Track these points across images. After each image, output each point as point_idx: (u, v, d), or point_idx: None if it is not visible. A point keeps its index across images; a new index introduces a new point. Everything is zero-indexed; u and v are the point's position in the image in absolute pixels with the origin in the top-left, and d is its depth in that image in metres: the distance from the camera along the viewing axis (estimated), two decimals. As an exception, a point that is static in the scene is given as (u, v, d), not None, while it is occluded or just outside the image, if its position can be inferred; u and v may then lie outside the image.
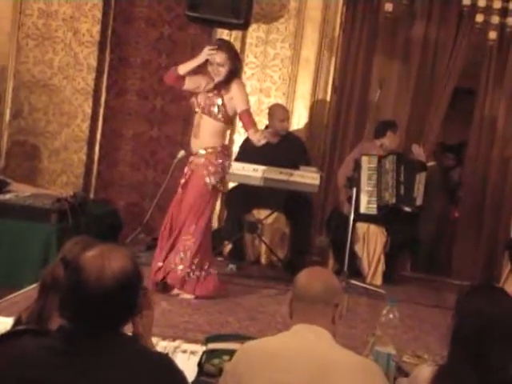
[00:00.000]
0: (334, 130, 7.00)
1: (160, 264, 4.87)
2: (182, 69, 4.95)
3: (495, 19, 6.64)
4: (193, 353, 3.69)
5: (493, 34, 6.67)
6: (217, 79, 4.91)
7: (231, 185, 6.42)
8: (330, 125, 6.99)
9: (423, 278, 6.73)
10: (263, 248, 6.27)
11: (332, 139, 6.99)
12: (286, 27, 6.84)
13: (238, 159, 6.32)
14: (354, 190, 5.67)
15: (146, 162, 6.99)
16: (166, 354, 2.29)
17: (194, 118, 5.04)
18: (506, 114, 6.81)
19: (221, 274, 5.65)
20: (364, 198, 5.93)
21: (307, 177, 5.81)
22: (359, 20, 6.97)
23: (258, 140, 4.89)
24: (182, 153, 6.29)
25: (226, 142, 5.38)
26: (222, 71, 4.87)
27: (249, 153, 6.23)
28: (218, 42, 5.11)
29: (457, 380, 2.20)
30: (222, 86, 4.92)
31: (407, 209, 6.05)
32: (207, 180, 4.85)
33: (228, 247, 6.19)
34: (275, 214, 6.17)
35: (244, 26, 6.51)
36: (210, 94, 4.93)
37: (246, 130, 5.02)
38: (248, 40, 6.86)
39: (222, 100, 4.90)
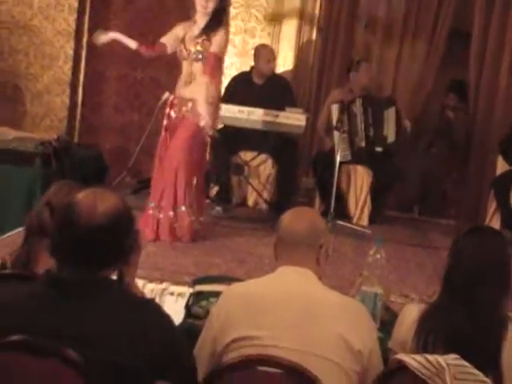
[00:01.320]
0: (319, 71, 6.93)
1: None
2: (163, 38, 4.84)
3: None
4: (180, 295, 3.71)
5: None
6: (204, 19, 4.76)
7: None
8: (316, 65, 6.92)
9: (408, 218, 6.77)
10: (250, 190, 6.27)
11: (318, 80, 6.93)
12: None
13: (222, 100, 6.26)
14: (335, 135, 5.70)
15: (131, 104, 6.90)
16: (152, 300, 2.30)
17: (182, 65, 4.90)
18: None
19: (208, 216, 5.67)
20: (339, 146, 5.89)
21: (293, 118, 5.77)
22: (335, 17, 6.84)
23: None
24: (166, 95, 6.21)
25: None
26: (210, 6, 4.71)
27: (234, 94, 6.18)
28: None
29: (446, 317, 2.25)
30: (210, 31, 4.76)
31: (378, 149, 6.03)
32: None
33: (214, 189, 6.17)
34: (261, 156, 6.16)
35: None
36: (199, 40, 4.78)
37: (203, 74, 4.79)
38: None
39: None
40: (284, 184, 6.13)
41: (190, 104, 4.79)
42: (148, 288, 3.67)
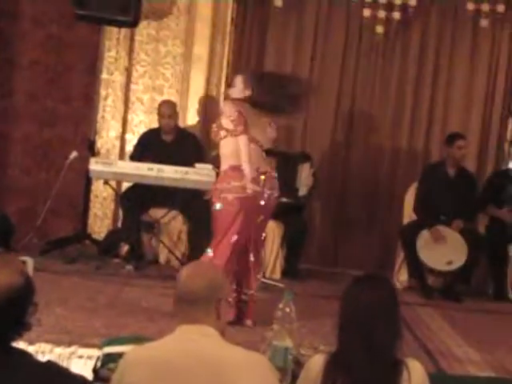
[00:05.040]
0: (228, 126, 7.00)
1: None
2: None
3: (382, 13, 6.82)
4: (89, 358, 3.61)
5: (379, 28, 6.85)
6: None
7: (126, 185, 6.34)
8: (225, 121, 6.97)
9: (321, 270, 6.82)
10: (161, 247, 6.22)
11: (227, 136, 6.97)
12: (177, 24, 6.79)
13: (132, 158, 6.26)
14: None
15: (38, 164, 6.77)
16: (55, 363, 2.24)
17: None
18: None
19: (118, 276, 5.59)
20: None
21: (203, 174, 5.79)
22: (250, 14, 7.02)
23: None
24: (74, 154, 6.17)
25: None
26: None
27: (143, 152, 6.18)
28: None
29: (349, 364, 2.31)
30: None
31: (285, 200, 6.08)
32: None
33: (125, 248, 6.09)
34: (172, 213, 6.13)
35: (133, 24, 6.42)
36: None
37: None
38: (138, 37, 6.76)
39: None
40: (196, 240, 6.10)
41: None
42: (55, 353, 3.56)
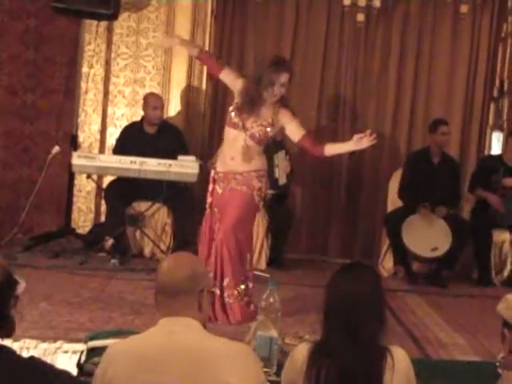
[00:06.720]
0: (211, 118, 7.00)
1: None
2: None
3: (362, 2, 6.81)
4: (75, 352, 3.57)
5: (360, 16, 6.85)
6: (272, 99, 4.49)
7: (110, 178, 6.31)
8: (207, 112, 6.97)
9: (307, 259, 6.84)
10: (146, 241, 6.20)
11: (210, 126, 6.97)
12: (157, 16, 6.77)
13: (115, 152, 6.23)
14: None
15: (20, 159, 6.73)
16: (39, 359, 2.22)
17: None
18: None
19: (103, 270, 5.58)
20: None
21: (186, 166, 5.80)
22: (230, 7, 7.00)
23: None
24: (56, 148, 6.13)
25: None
26: (283, 91, 4.50)
27: (126, 145, 6.16)
28: (288, 64, 4.69)
29: (333, 352, 2.31)
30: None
31: (270, 191, 6.08)
32: None
33: (110, 242, 6.06)
34: (156, 206, 6.12)
35: (113, 16, 6.40)
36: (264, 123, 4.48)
37: (312, 152, 4.70)
38: (118, 30, 6.74)
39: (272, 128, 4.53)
40: (180, 233, 6.10)
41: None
42: (40, 348, 3.54)
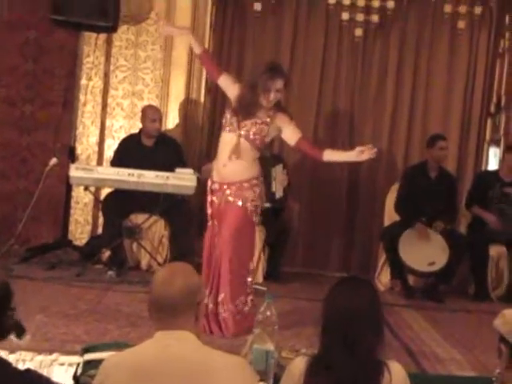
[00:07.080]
0: (209, 131, 7.01)
1: None
2: None
3: (360, 16, 6.85)
4: (71, 365, 3.57)
5: (358, 31, 6.89)
6: (268, 105, 4.49)
7: (107, 190, 6.31)
8: (206, 125, 6.99)
9: (304, 273, 6.83)
10: (143, 253, 6.19)
11: (208, 139, 6.98)
12: (156, 29, 6.78)
13: (112, 164, 6.24)
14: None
15: (17, 171, 6.72)
16: (35, 371, 2.22)
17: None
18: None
19: (99, 282, 5.57)
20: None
21: (184, 179, 5.79)
22: (229, 19, 7.03)
23: None
24: (54, 160, 6.13)
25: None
26: (279, 97, 4.52)
27: (124, 157, 6.16)
28: (282, 70, 4.66)
29: (330, 366, 2.31)
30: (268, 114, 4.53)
31: (266, 205, 6.08)
32: None
33: (106, 254, 6.06)
34: (153, 218, 6.11)
35: (112, 29, 6.42)
36: (259, 121, 4.49)
37: (311, 155, 4.73)
38: (117, 43, 6.75)
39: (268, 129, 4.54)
40: (178, 245, 6.09)
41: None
42: (36, 360, 3.53)
